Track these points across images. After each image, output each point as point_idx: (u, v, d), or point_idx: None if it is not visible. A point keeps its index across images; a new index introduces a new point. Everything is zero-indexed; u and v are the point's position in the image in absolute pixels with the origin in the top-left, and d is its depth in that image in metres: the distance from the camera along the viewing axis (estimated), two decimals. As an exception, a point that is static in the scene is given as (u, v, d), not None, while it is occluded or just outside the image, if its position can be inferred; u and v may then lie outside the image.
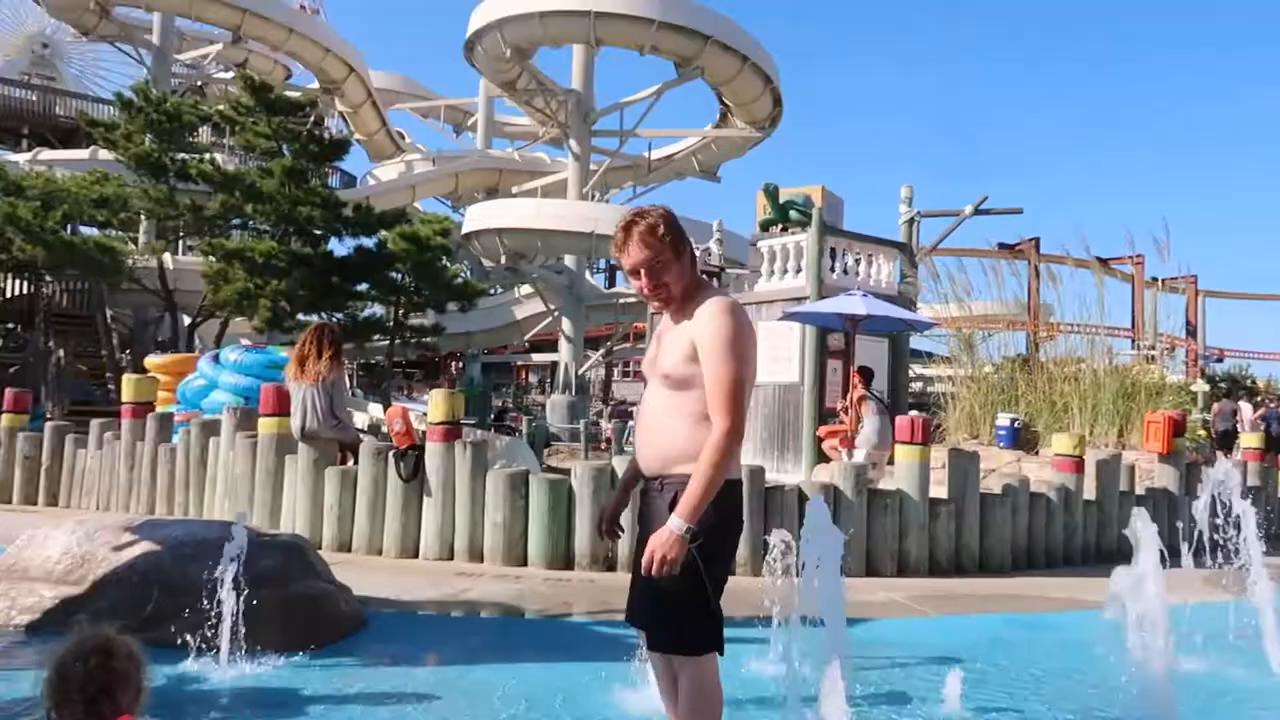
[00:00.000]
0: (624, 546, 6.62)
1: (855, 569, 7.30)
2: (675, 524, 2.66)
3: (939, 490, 8.20)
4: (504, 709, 3.96)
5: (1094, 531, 8.97)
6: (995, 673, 4.90)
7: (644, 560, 2.68)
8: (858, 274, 13.72)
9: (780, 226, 15.17)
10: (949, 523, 7.95)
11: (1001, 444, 12.00)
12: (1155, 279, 21.66)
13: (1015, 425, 12.08)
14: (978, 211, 19.47)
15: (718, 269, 16.54)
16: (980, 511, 8.13)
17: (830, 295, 12.31)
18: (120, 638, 2.04)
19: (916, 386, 18.59)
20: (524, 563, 7.30)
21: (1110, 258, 19.28)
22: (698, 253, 15.86)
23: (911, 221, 18.06)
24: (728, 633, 5.30)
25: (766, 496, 7.33)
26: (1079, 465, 8.95)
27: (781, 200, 15.58)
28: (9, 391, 11.30)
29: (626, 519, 3.44)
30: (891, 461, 10.16)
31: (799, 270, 13.57)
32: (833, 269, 13.47)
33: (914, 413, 9.33)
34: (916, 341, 16.41)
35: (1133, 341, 19.36)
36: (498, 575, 7.00)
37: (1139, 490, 9.81)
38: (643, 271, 2.87)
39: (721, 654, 2.87)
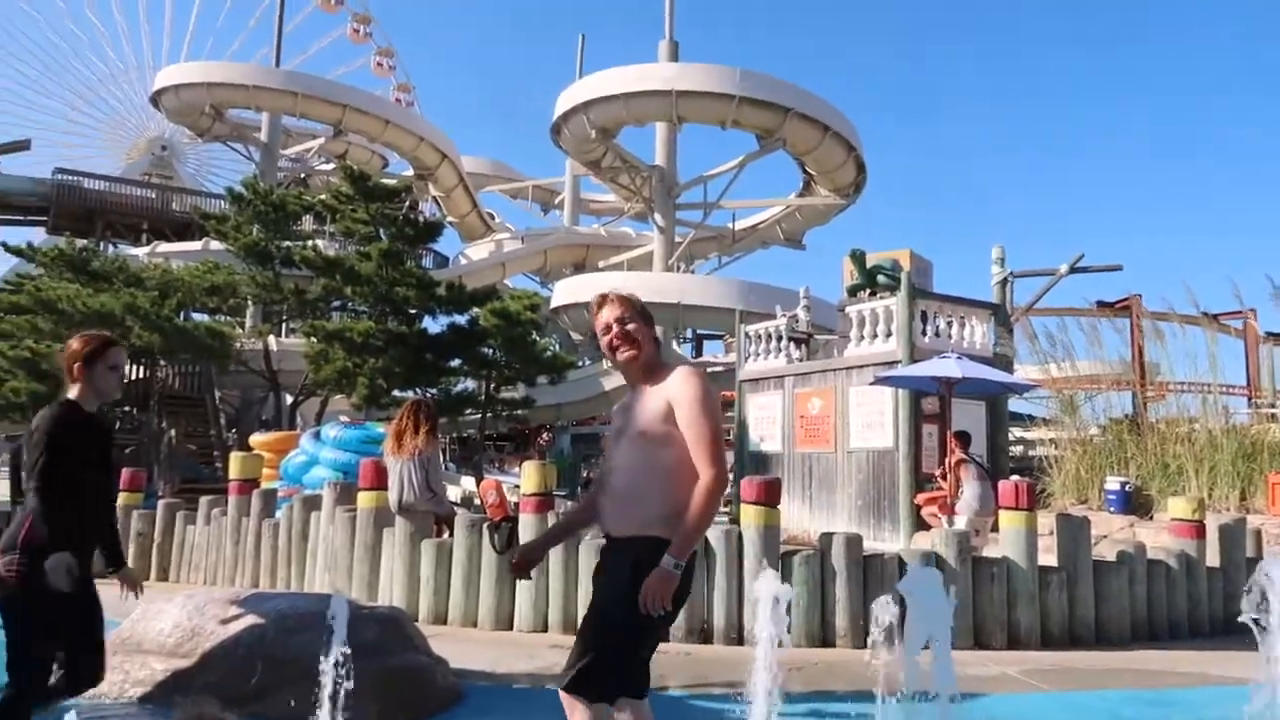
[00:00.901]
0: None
1: (962, 641, 6.98)
2: (669, 561, 2.89)
3: (1047, 558, 7.84)
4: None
5: (1219, 601, 8.42)
6: (1121, 753, 4.59)
7: (642, 599, 2.86)
8: (950, 337, 13.45)
9: (869, 291, 15.04)
10: (1061, 592, 7.57)
11: (1112, 509, 11.47)
12: (1272, 334, 20.64)
13: (1126, 489, 11.54)
14: (1074, 270, 18.99)
15: (806, 335, 16.44)
16: (1095, 580, 7.73)
17: (922, 359, 12.07)
18: (223, 714, 2.07)
19: (1017, 450, 17.98)
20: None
21: (1220, 313, 18.48)
22: (786, 318, 15.82)
23: (1004, 282, 17.71)
24: (830, 707, 5.13)
25: (865, 565, 7.12)
26: (1199, 530, 8.46)
27: (869, 265, 15.48)
28: (125, 471, 11.84)
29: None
30: (995, 529, 9.78)
31: (889, 334, 13.38)
32: (924, 332, 13.24)
33: (1015, 477, 9.00)
34: (1015, 404, 15.92)
35: (1249, 399, 18.39)
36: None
37: (1266, 556, 9.21)
38: (615, 325, 3.17)
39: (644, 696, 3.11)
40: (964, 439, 10.72)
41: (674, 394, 3.04)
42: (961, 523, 9.74)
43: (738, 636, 7.02)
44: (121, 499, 11.40)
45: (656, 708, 5.52)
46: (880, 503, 12.99)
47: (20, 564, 3.43)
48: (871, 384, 12.30)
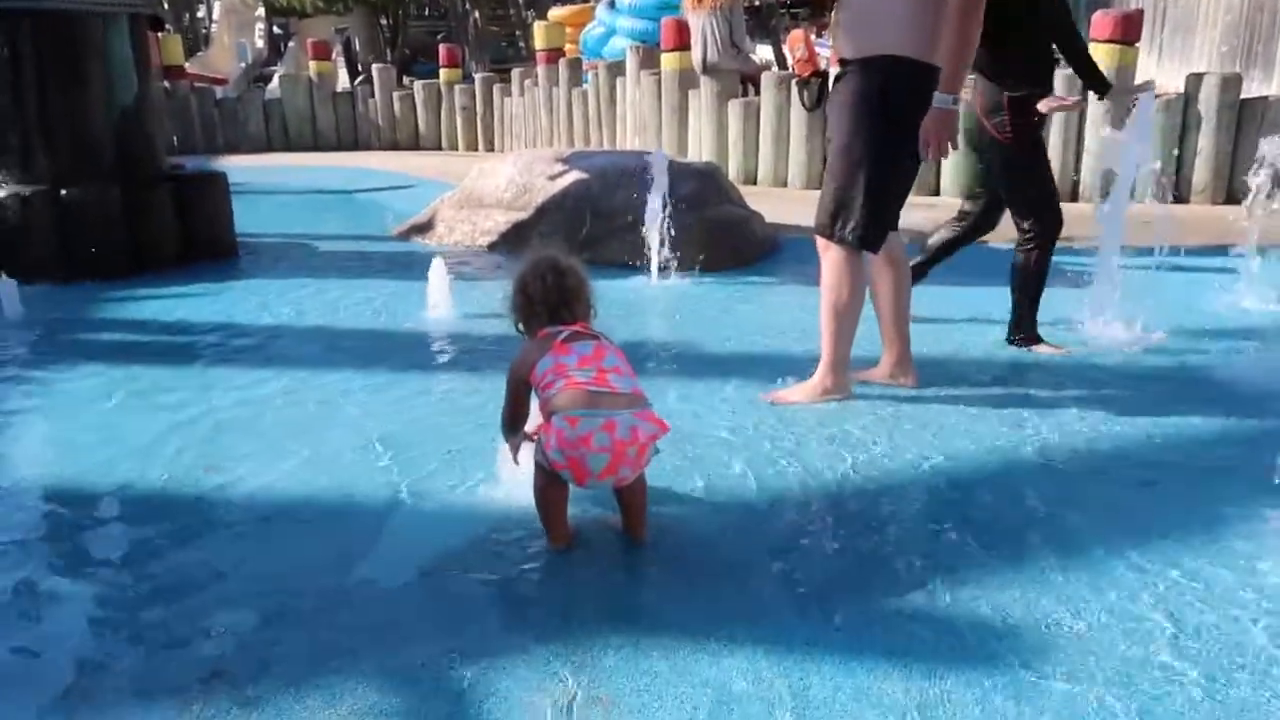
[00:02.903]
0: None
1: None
2: (942, 99, 2.60)
3: None
4: (921, 328, 3.83)
5: None
6: None
7: (924, 146, 2.64)
8: None
9: None
10: None
11: None
12: None
13: None
14: None
15: None
16: None
17: None
18: (568, 258, 2.17)
19: None
20: (937, 192, 6.91)
21: None
22: None
23: None
24: (1180, 260, 4.70)
25: (1241, 109, 6.09)
26: None
27: None
28: (442, 48, 12.40)
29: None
30: None
31: None
32: None
33: None
34: None
35: None
36: (909, 204, 6.63)
37: None
38: None
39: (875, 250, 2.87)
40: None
41: None
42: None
43: (1071, 192, 6.47)
44: (443, 75, 12.09)
45: (977, 256, 5.34)
46: (1251, 47, 10.94)
47: (1010, 123, 3.29)
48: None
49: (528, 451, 2.06)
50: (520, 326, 2.18)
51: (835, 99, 2.84)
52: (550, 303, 2.09)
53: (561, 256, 2.18)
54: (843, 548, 2.04)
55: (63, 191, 4.79)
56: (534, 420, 2.09)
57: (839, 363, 2.90)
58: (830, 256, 2.87)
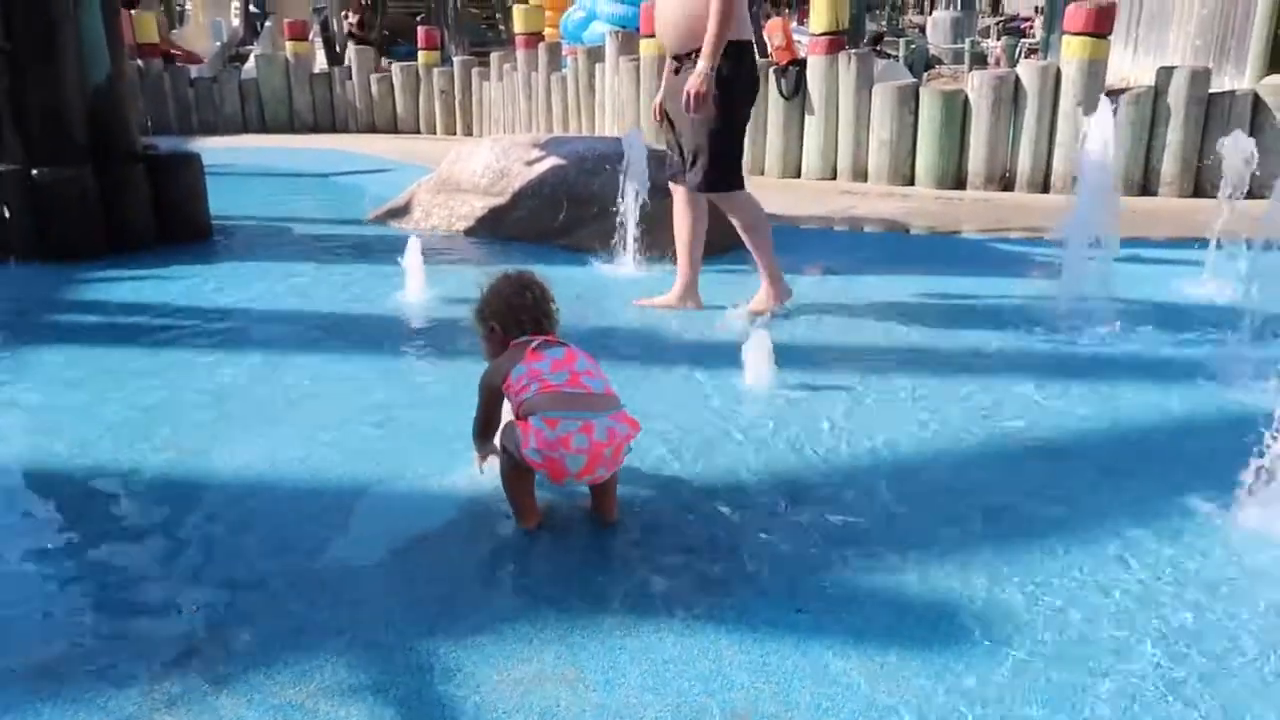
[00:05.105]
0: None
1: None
2: (700, 66, 3.36)
3: None
4: (892, 316, 3.89)
5: None
6: None
7: (683, 103, 3.40)
8: None
9: None
10: None
11: None
12: None
13: None
14: None
15: None
16: None
17: None
18: (539, 277, 2.33)
19: None
20: (911, 182, 6.97)
21: None
22: None
23: None
24: (1148, 253, 4.78)
25: (1209, 104, 6.18)
26: None
27: None
28: (421, 30, 12.32)
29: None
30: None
31: None
32: None
33: None
34: None
35: None
36: (884, 194, 6.75)
37: None
38: None
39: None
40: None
41: None
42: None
43: (1043, 184, 6.56)
44: (422, 58, 12.02)
45: (949, 246, 5.43)
46: (1225, 42, 11.05)
47: None
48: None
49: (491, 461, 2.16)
50: (485, 339, 2.28)
51: (675, 87, 3.58)
52: (535, 315, 2.23)
53: (534, 275, 2.32)
54: (807, 530, 2.09)
55: (34, 171, 4.75)
56: (506, 415, 2.15)
57: (691, 280, 3.89)
58: (677, 196, 3.70)
